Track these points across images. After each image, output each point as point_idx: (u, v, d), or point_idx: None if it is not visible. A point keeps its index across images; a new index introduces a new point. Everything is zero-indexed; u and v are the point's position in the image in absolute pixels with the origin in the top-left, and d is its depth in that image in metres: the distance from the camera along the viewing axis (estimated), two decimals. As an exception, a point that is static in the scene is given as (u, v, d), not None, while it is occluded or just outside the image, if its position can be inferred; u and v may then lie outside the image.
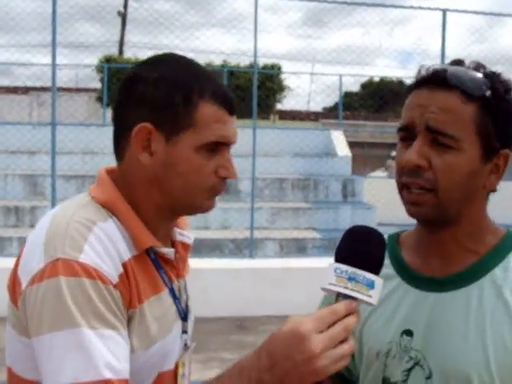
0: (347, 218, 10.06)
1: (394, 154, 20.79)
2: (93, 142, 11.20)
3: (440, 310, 1.25)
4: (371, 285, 1.06)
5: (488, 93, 1.20)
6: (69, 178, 10.36)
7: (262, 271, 7.16)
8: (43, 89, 18.93)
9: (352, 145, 14.16)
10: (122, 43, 24.58)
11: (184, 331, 1.37)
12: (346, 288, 1.05)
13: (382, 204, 10.01)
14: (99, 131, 11.80)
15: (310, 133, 12.46)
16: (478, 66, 1.24)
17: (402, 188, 1.24)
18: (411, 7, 9.48)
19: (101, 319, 1.10)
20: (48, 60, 7.64)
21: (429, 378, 1.23)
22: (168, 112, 1.23)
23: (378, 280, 1.07)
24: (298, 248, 9.38)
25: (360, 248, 1.10)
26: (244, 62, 16.64)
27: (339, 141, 12.70)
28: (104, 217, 1.22)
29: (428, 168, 1.20)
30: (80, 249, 1.13)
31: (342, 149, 12.42)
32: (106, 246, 1.16)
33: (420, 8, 9.16)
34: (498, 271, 1.23)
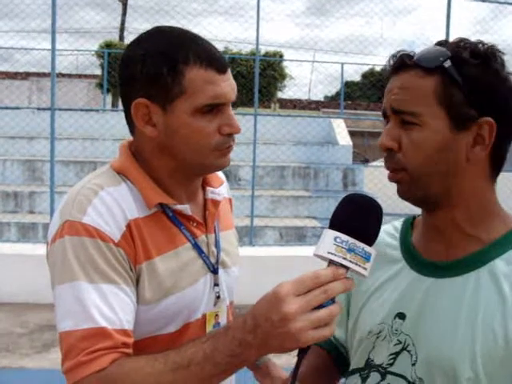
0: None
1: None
2: (92, 127, 11.17)
3: (434, 295, 1.22)
4: (368, 257, 1.06)
5: (447, 62, 1.17)
6: (68, 164, 10.34)
7: (261, 259, 7.16)
8: (43, 74, 18.89)
9: (353, 134, 14.13)
10: (122, 29, 24.49)
11: (216, 284, 1.44)
12: (344, 259, 1.03)
13: (383, 193, 10.03)
14: (99, 116, 11.78)
15: (311, 121, 12.41)
16: (460, 41, 1.21)
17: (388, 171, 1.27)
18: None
19: (100, 274, 1.22)
20: (49, 46, 7.58)
21: (414, 364, 1.21)
22: (158, 84, 1.30)
23: (373, 253, 1.07)
24: (298, 236, 9.38)
25: (360, 219, 1.08)
26: (246, 49, 16.58)
27: (340, 129, 12.67)
28: (117, 182, 1.35)
29: (398, 149, 1.21)
30: (84, 211, 1.26)
31: (343, 137, 12.39)
32: (109, 208, 1.28)
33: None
34: (499, 262, 1.19)
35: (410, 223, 1.39)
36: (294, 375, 1.10)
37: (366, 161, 20.70)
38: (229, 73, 1.36)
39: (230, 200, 1.69)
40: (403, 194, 1.25)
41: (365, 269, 1.05)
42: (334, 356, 1.49)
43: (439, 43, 1.24)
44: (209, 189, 1.50)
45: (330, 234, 1.05)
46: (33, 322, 6.29)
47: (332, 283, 1.03)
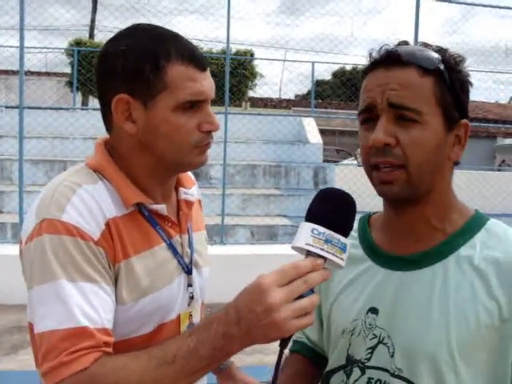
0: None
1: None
2: (62, 125, 11.06)
3: (405, 288, 1.26)
4: (344, 248, 1.09)
5: (441, 66, 1.22)
6: (37, 163, 10.21)
7: (233, 258, 7.16)
8: (12, 72, 18.62)
9: (324, 132, 14.19)
10: (92, 27, 24.26)
11: (189, 284, 1.45)
12: (322, 250, 1.06)
13: (353, 191, 10.06)
14: (68, 115, 11.66)
15: (282, 119, 12.43)
16: (426, 45, 1.28)
17: (371, 169, 1.26)
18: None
19: (80, 272, 1.20)
20: (17, 43, 7.48)
21: (392, 356, 1.24)
22: (140, 80, 1.30)
23: (348, 244, 1.10)
24: (269, 235, 9.40)
25: (335, 211, 1.11)
26: (216, 48, 16.56)
27: (311, 128, 12.70)
28: (94, 180, 1.32)
29: (395, 145, 1.21)
30: (62, 209, 1.23)
31: (314, 136, 12.43)
32: (88, 206, 1.26)
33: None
34: (463, 250, 1.24)
35: (366, 221, 1.43)
36: (276, 367, 1.12)
37: (349, 155, 20.79)
38: (208, 71, 1.37)
39: (200, 201, 1.69)
40: (396, 194, 1.24)
41: (342, 259, 1.08)
42: (313, 358, 1.52)
43: (403, 43, 1.29)
44: (182, 189, 1.51)
45: (307, 226, 1.08)
46: (1, 323, 6.21)
47: (312, 273, 1.06)
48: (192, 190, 1.55)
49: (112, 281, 1.27)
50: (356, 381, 1.30)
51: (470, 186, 10.18)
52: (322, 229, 1.07)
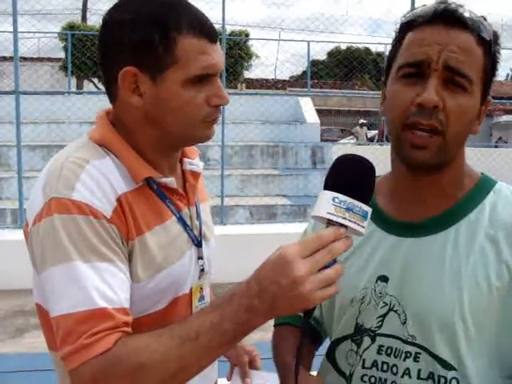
0: (317, 185, 10.07)
1: (361, 121, 20.96)
2: (59, 110, 11.02)
3: (416, 254, 1.26)
4: (365, 216, 1.06)
5: (492, 38, 1.20)
6: (34, 148, 10.19)
7: (233, 237, 7.18)
8: (4, 58, 18.50)
9: (320, 112, 14.16)
10: (85, 10, 24.09)
11: (200, 257, 1.42)
12: (344, 218, 1.04)
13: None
14: (64, 99, 11.61)
15: (278, 99, 12.40)
16: (471, 11, 1.22)
17: (404, 129, 1.20)
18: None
19: (95, 252, 1.16)
20: (10, 28, 7.44)
21: (404, 323, 1.24)
22: (149, 52, 1.24)
23: (369, 211, 1.07)
24: (268, 214, 9.42)
25: (355, 178, 1.08)
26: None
27: (308, 108, 12.67)
28: (100, 155, 1.27)
29: (441, 109, 1.17)
30: (72, 187, 1.18)
31: (311, 115, 12.40)
32: (98, 183, 1.21)
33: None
34: (473, 215, 1.24)
35: None
36: (300, 342, 1.12)
37: (351, 134, 20.74)
38: (218, 43, 1.32)
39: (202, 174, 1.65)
40: (426, 160, 1.20)
41: (363, 227, 1.06)
42: (309, 332, 1.50)
43: (442, 2, 1.21)
44: (186, 160, 1.47)
45: (328, 195, 1.05)
46: (4, 308, 6.24)
47: (335, 243, 1.03)
48: (197, 161, 1.50)
49: (126, 258, 1.23)
50: (366, 349, 1.29)
51: (467, 162, 10.17)
52: (343, 197, 1.04)
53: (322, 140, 12.55)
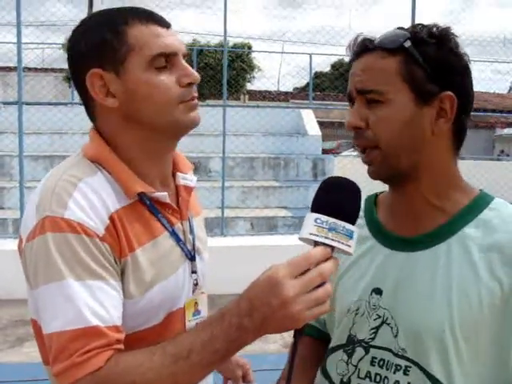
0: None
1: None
2: (61, 121, 11.04)
3: (409, 268, 1.28)
4: (350, 235, 1.08)
5: (407, 43, 1.23)
6: (37, 158, 10.23)
7: (233, 249, 7.18)
8: (9, 68, 18.55)
9: (322, 124, 14.18)
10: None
11: (193, 271, 1.43)
12: (326, 238, 1.06)
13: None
14: (67, 110, 11.63)
15: (280, 111, 12.43)
16: (414, 26, 1.28)
17: (359, 152, 1.31)
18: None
19: (87, 271, 1.17)
20: (14, 39, 7.46)
21: (396, 336, 1.26)
22: (105, 50, 1.29)
23: (355, 230, 1.10)
24: (269, 226, 9.41)
25: (338, 199, 1.11)
26: (214, 40, 16.53)
27: (309, 120, 12.70)
28: (93, 171, 1.29)
29: (366, 127, 1.25)
30: (65, 205, 1.19)
31: (313, 128, 12.43)
32: (90, 201, 1.22)
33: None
34: (467, 230, 1.26)
35: (373, 201, 1.45)
36: (292, 357, 1.13)
37: (352, 147, 20.76)
38: (173, 30, 1.34)
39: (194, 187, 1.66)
40: (375, 173, 1.29)
41: (348, 246, 1.08)
42: (321, 338, 1.53)
43: (398, 28, 1.30)
44: (179, 174, 1.48)
45: (311, 217, 1.08)
46: (5, 317, 6.24)
47: (324, 264, 1.05)
48: (190, 175, 1.51)
49: (118, 276, 1.24)
50: (360, 360, 1.31)
51: (467, 175, 10.18)
52: (324, 217, 1.07)
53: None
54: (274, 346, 4.96)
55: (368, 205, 1.45)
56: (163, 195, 1.36)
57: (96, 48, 1.29)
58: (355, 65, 1.29)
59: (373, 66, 1.25)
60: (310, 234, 1.07)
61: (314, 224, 1.07)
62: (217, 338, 1.09)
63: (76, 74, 1.34)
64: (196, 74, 1.34)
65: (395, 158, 1.25)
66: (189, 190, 1.48)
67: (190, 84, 1.33)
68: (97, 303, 1.16)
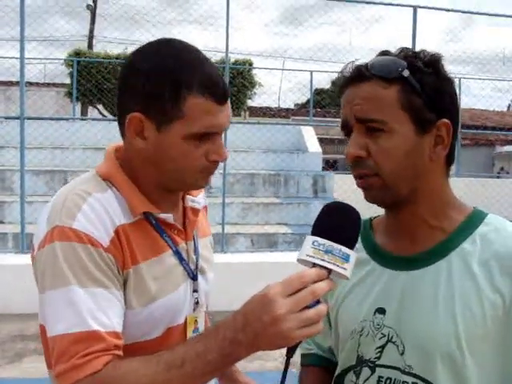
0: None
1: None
2: (62, 136, 11.09)
3: (411, 286, 1.29)
4: (346, 258, 1.11)
5: (406, 72, 1.25)
6: (38, 173, 10.23)
7: (233, 266, 7.17)
8: (11, 83, 18.65)
9: (323, 141, 14.21)
10: (91, 37, 24.33)
11: (195, 290, 1.49)
12: (322, 260, 1.10)
13: (352, 200, 10.07)
14: (68, 125, 11.68)
15: (280, 128, 12.48)
16: (401, 51, 1.30)
17: (355, 178, 1.32)
18: (382, 3, 9.53)
19: (91, 278, 1.24)
20: (17, 54, 7.52)
21: (402, 353, 1.27)
22: (158, 104, 1.31)
23: (352, 254, 1.12)
24: (269, 243, 9.40)
25: (337, 223, 1.15)
26: (215, 57, 16.59)
27: (310, 136, 12.72)
28: (103, 188, 1.36)
29: (368, 156, 1.26)
30: (73, 217, 1.27)
31: (313, 144, 12.45)
32: (98, 214, 1.30)
33: (391, 5, 9.24)
34: (465, 245, 1.28)
35: (368, 225, 1.47)
36: (283, 374, 1.15)
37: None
38: (228, 103, 1.37)
39: (206, 207, 1.72)
40: (374, 198, 1.30)
41: (344, 269, 1.11)
42: (328, 367, 1.54)
43: (384, 53, 1.32)
44: (188, 197, 1.54)
45: (309, 239, 1.12)
46: (3, 332, 6.23)
47: (318, 284, 1.08)
48: (198, 198, 1.58)
49: (121, 286, 1.31)
50: (366, 380, 1.32)
51: (468, 192, 10.20)
52: (322, 240, 1.11)
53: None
54: (273, 364, 4.96)
55: (364, 229, 1.45)
56: (168, 216, 1.42)
57: (151, 97, 1.31)
58: (352, 92, 1.29)
59: (373, 95, 1.25)
60: (307, 255, 1.11)
61: (311, 246, 1.11)
62: (211, 349, 1.13)
63: (122, 101, 1.38)
64: (226, 155, 1.39)
65: (395, 186, 1.27)
66: (196, 211, 1.54)
67: (216, 161, 1.38)
68: (98, 309, 1.23)
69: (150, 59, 1.34)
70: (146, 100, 1.32)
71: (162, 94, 1.30)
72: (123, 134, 1.41)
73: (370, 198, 1.31)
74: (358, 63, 1.30)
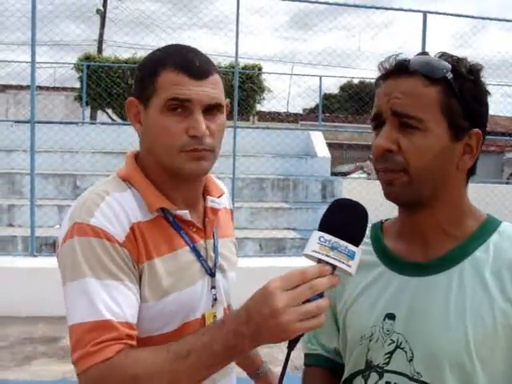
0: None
1: (371, 155, 20.84)
2: (72, 140, 11.13)
3: (422, 293, 1.29)
4: (352, 255, 1.13)
5: (450, 75, 1.24)
6: (47, 177, 10.27)
7: (242, 270, 7.15)
8: (21, 87, 18.74)
9: (331, 146, 14.20)
10: (101, 42, 24.42)
11: (213, 287, 1.54)
12: (327, 256, 1.11)
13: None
14: (78, 129, 11.73)
15: (289, 133, 12.46)
16: (442, 54, 1.29)
17: (378, 172, 1.30)
18: (392, 8, 9.53)
19: (106, 271, 1.32)
20: (28, 58, 7.57)
21: (411, 360, 1.26)
22: (141, 84, 1.45)
23: (358, 252, 1.13)
24: (278, 248, 9.39)
25: (344, 220, 1.15)
26: (225, 62, 16.62)
27: (318, 141, 12.72)
28: (122, 188, 1.45)
29: (398, 151, 1.25)
30: (92, 214, 1.36)
31: (322, 149, 12.45)
32: (115, 212, 1.38)
33: (401, 10, 9.23)
34: (478, 253, 1.27)
35: (379, 228, 1.46)
36: (284, 366, 1.17)
37: (361, 168, 20.79)
38: (208, 82, 1.42)
39: (231, 211, 1.80)
40: (396, 194, 1.28)
41: (349, 266, 1.12)
42: (332, 368, 1.54)
43: (421, 54, 1.31)
44: (209, 198, 1.59)
45: (316, 235, 1.14)
46: (13, 335, 6.25)
47: (318, 279, 1.11)
48: (220, 199, 1.63)
49: (136, 279, 1.37)
50: None
51: (477, 198, 10.17)
52: (328, 236, 1.12)
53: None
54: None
55: (374, 232, 1.45)
56: (184, 213, 1.48)
57: (140, 80, 1.46)
58: (391, 84, 1.27)
59: (414, 91, 1.24)
60: (313, 251, 1.13)
61: (317, 242, 1.13)
62: (216, 341, 1.19)
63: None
64: (202, 129, 1.41)
65: (420, 185, 1.26)
66: (215, 211, 1.60)
67: (195, 136, 1.41)
68: (111, 300, 1.30)
69: (149, 56, 1.50)
70: (137, 85, 1.47)
71: (144, 76, 1.45)
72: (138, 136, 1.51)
73: (392, 194, 1.29)
74: (397, 58, 1.29)
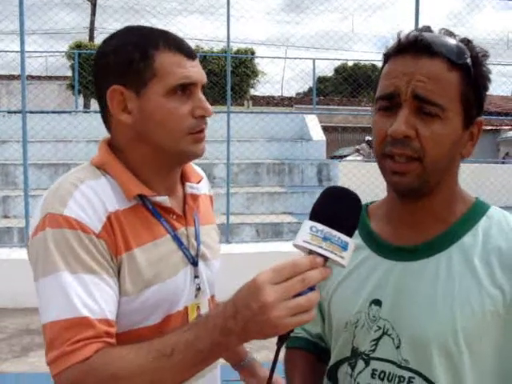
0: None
1: (367, 138, 20.96)
2: (65, 129, 11.08)
3: (409, 278, 1.25)
4: (345, 246, 1.06)
5: (469, 60, 1.18)
6: (41, 167, 10.24)
7: (238, 256, 7.17)
8: (12, 77, 18.65)
9: (326, 129, 14.18)
10: (92, 29, 24.28)
11: (196, 276, 1.47)
12: (319, 247, 1.05)
13: (357, 187, 10.10)
14: (71, 118, 11.67)
15: (284, 117, 12.44)
16: (451, 34, 1.23)
17: (385, 157, 1.22)
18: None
19: (81, 265, 1.24)
20: (18, 48, 7.50)
21: (398, 347, 1.23)
22: (131, 70, 1.35)
23: (351, 242, 1.07)
24: (275, 232, 9.40)
25: (337, 209, 1.09)
26: (217, 47, 16.57)
27: (313, 125, 12.70)
28: (97, 176, 1.37)
29: (415, 137, 1.17)
30: (65, 203, 1.28)
31: (317, 133, 12.43)
32: (90, 201, 1.30)
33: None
34: (466, 239, 1.24)
35: (364, 211, 1.40)
36: (273, 362, 1.11)
37: (357, 151, 20.76)
38: (197, 61, 1.40)
39: (211, 197, 1.71)
40: (409, 185, 1.21)
41: (342, 257, 1.05)
42: (317, 353, 1.50)
43: (426, 29, 1.24)
44: (188, 184, 1.53)
45: (307, 224, 1.07)
46: (11, 326, 6.24)
47: (309, 272, 1.03)
48: (199, 185, 1.57)
49: (115, 272, 1.30)
50: (360, 372, 1.29)
51: (474, 178, 10.17)
52: (320, 226, 1.05)
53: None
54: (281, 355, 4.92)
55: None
56: (163, 199, 1.41)
57: (123, 66, 1.35)
58: (412, 63, 1.18)
59: (439, 76, 1.16)
60: (304, 241, 1.05)
61: (309, 232, 1.06)
62: (201, 338, 1.11)
63: (99, 85, 1.41)
64: (210, 108, 1.39)
65: (432, 174, 1.21)
66: (195, 197, 1.53)
67: (202, 117, 1.39)
68: (88, 296, 1.22)
69: (115, 40, 1.40)
70: (120, 71, 1.36)
71: (133, 60, 1.35)
72: (108, 123, 1.43)
73: (404, 185, 1.21)
74: (414, 33, 1.20)
